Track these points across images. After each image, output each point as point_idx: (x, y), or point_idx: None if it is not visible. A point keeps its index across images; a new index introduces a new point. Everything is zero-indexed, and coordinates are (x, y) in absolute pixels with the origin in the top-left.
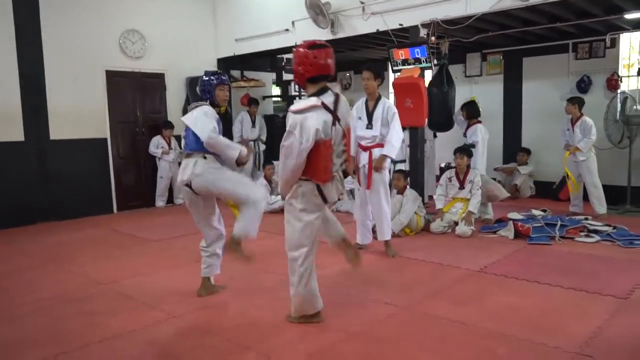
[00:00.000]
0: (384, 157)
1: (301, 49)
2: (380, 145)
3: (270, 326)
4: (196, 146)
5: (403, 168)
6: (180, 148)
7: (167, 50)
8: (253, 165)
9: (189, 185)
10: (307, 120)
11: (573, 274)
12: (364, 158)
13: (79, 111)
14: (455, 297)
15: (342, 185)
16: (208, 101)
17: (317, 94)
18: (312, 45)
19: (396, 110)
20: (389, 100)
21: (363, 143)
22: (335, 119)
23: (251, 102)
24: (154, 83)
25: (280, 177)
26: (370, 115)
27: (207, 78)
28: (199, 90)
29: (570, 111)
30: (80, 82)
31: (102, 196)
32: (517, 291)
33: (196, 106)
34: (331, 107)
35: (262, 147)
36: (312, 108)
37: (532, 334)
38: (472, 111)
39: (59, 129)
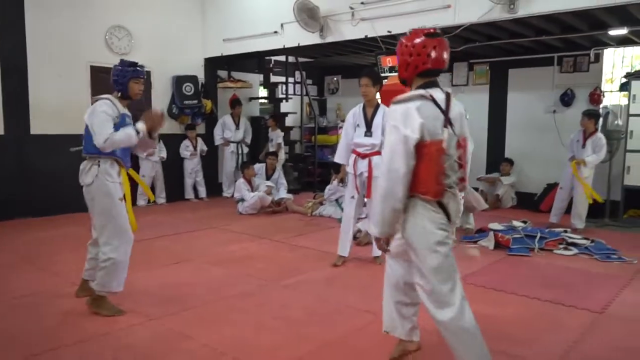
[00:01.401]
0: None
1: (418, 39)
2: (379, 153)
3: (248, 332)
4: (91, 149)
5: None
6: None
7: (154, 48)
8: (235, 168)
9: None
10: (410, 110)
11: (551, 287)
12: (362, 166)
13: (62, 106)
14: None
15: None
16: (120, 93)
17: (424, 86)
18: (431, 34)
19: None
20: (387, 108)
21: (361, 150)
22: (447, 120)
23: (235, 104)
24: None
25: (378, 201)
26: (369, 123)
27: (121, 67)
28: (112, 80)
29: (586, 125)
30: (64, 77)
31: (82, 194)
32: (495, 302)
33: (96, 100)
34: (442, 105)
35: (245, 149)
36: (417, 97)
37: (508, 346)
38: None
39: (41, 124)
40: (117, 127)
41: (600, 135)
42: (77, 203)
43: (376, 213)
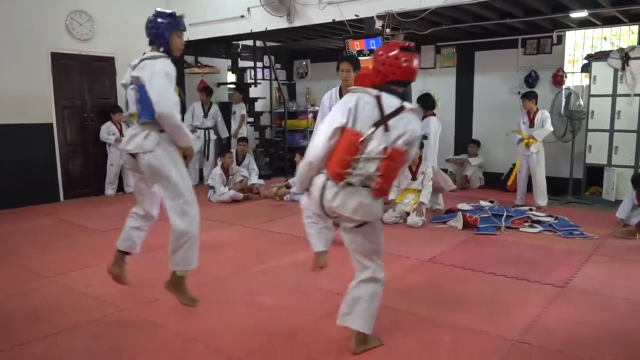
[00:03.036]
0: None
1: (392, 51)
2: None
3: (220, 319)
4: (150, 114)
5: None
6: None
7: (118, 34)
8: (201, 155)
9: (133, 155)
10: (350, 98)
11: (516, 264)
12: None
13: (22, 95)
14: (404, 287)
15: (361, 201)
16: (162, 48)
17: (380, 88)
18: (404, 48)
19: None
20: None
21: None
22: (382, 122)
23: (203, 91)
24: (103, 67)
25: (302, 165)
26: None
27: (161, 19)
28: (149, 33)
29: (529, 106)
30: (23, 64)
31: (48, 184)
32: (464, 280)
33: (154, 57)
34: (387, 111)
35: (213, 137)
36: (362, 92)
37: (475, 323)
38: (426, 103)
39: (0, 114)
40: None
41: (543, 111)
42: (43, 194)
43: (299, 173)
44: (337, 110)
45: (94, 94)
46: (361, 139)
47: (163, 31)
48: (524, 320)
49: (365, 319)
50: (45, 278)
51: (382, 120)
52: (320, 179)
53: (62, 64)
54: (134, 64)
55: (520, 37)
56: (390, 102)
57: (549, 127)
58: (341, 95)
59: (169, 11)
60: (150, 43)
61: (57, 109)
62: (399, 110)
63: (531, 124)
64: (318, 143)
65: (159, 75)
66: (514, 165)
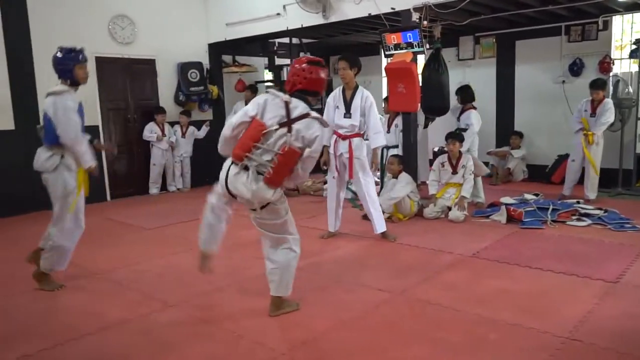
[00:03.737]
0: (376, 150)
1: (303, 64)
2: (359, 134)
3: (264, 315)
4: (55, 140)
5: (397, 153)
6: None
7: (157, 36)
8: None
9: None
10: (264, 97)
11: (564, 259)
12: (342, 147)
13: None
14: (447, 282)
15: (253, 185)
16: (68, 81)
17: (292, 95)
18: (311, 62)
19: (373, 100)
20: (367, 90)
21: (341, 132)
22: (287, 123)
23: (249, 88)
24: (144, 69)
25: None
26: (348, 105)
27: (61, 55)
28: (56, 69)
29: (598, 96)
30: None
31: (95, 184)
32: (509, 276)
33: (58, 93)
34: (293, 113)
35: None
36: (275, 95)
37: (523, 319)
38: (466, 96)
39: None
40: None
41: (607, 100)
42: (91, 194)
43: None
44: (249, 105)
45: (136, 96)
46: (265, 130)
47: (67, 66)
48: (573, 317)
49: (281, 284)
50: (95, 274)
51: (287, 122)
52: (227, 163)
53: (105, 67)
54: (46, 94)
55: (563, 24)
56: (298, 107)
57: (608, 119)
58: (344, 94)
59: (70, 47)
60: (59, 77)
61: (102, 111)
62: (304, 116)
63: (593, 113)
64: (225, 131)
65: (60, 111)
66: (559, 156)
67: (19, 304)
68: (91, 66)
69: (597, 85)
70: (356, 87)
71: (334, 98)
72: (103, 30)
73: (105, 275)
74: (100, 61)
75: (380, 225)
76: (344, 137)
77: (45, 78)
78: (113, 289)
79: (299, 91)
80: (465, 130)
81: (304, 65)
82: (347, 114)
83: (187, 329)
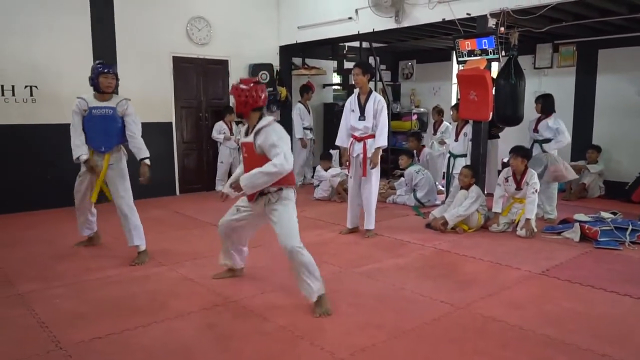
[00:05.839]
0: (377, 149)
1: (251, 84)
2: (372, 136)
3: (324, 317)
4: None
5: (464, 162)
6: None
7: (231, 38)
8: (310, 154)
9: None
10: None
11: None
12: (358, 148)
13: (147, 96)
14: (514, 299)
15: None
16: (92, 87)
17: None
18: (257, 82)
19: (385, 104)
20: (379, 95)
21: (357, 134)
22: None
23: (303, 91)
24: (217, 69)
25: None
26: (362, 108)
27: (93, 66)
28: (89, 78)
29: None
30: (148, 68)
31: (166, 179)
32: (581, 298)
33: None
34: (252, 127)
35: (310, 136)
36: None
37: (595, 345)
38: (547, 105)
39: None
40: (86, 118)
41: None
42: (161, 188)
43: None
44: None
45: (208, 95)
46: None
47: (94, 76)
48: None
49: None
50: (162, 265)
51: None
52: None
53: (181, 67)
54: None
55: None
56: (263, 120)
57: None
58: (359, 99)
59: (100, 61)
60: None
61: (176, 108)
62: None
63: None
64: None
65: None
66: None
67: (95, 287)
68: (168, 65)
69: None
70: (370, 92)
71: (351, 102)
72: (181, 31)
73: (172, 266)
74: (177, 60)
75: (372, 222)
76: (359, 139)
77: (127, 75)
78: (179, 280)
79: (258, 109)
80: (547, 141)
81: (253, 85)
82: (362, 116)
83: (246, 325)
